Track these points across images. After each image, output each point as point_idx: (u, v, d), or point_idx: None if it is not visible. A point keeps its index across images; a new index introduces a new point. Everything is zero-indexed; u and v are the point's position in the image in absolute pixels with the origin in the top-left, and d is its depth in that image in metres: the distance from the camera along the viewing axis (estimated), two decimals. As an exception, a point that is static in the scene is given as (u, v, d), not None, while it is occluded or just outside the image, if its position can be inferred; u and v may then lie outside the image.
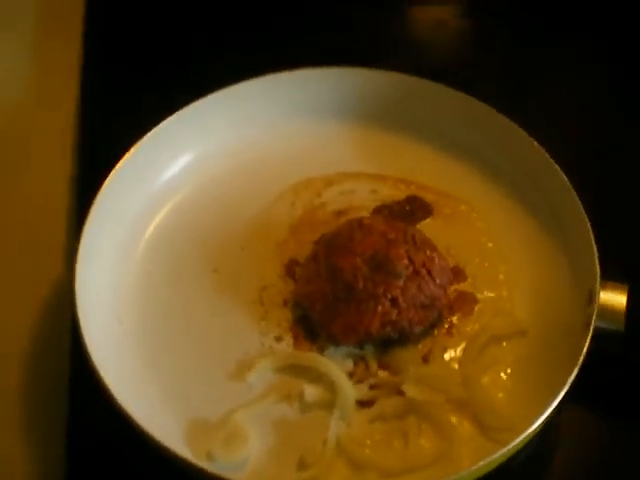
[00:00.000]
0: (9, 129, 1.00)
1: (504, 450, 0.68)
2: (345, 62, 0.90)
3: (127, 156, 0.83)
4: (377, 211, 0.87)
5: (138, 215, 0.85)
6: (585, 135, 0.96)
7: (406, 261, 0.77)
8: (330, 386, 0.75)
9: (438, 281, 0.78)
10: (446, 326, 0.79)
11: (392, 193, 0.88)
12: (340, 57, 0.90)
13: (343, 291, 0.76)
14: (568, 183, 0.81)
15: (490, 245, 0.85)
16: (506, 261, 0.83)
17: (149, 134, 0.85)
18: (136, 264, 0.83)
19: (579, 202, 0.80)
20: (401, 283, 0.76)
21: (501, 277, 0.83)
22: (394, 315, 0.76)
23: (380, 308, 0.76)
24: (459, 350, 0.78)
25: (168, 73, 1.03)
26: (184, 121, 0.87)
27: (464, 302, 0.81)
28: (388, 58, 0.97)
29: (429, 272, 0.78)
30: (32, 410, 0.80)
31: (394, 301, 0.76)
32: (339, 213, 0.87)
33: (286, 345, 0.78)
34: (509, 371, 0.77)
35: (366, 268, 0.77)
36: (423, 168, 0.89)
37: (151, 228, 0.85)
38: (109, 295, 0.80)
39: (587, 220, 0.79)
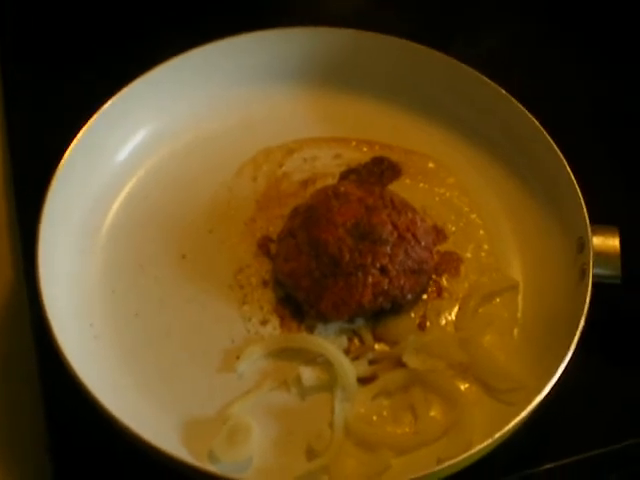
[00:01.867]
0: None
1: (528, 409, 0.65)
2: (288, 23, 0.85)
3: (73, 144, 0.76)
4: (344, 176, 0.83)
5: (92, 207, 0.78)
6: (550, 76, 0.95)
7: (390, 226, 0.74)
8: (327, 366, 0.71)
9: (423, 243, 0.75)
10: (435, 290, 0.76)
11: (356, 156, 0.84)
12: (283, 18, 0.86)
13: (329, 266, 0.72)
14: (541, 129, 0.79)
15: (465, 201, 0.82)
16: (483, 216, 0.81)
17: (94, 117, 0.77)
18: (97, 259, 0.76)
19: (556, 148, 0.77)
20: (388, 250, 0.73)
21: (481, 232, 0.80)
22: (385, 284, 0.72)
23: (370, 279, 0.72)
24: (453, 313, 0.75)
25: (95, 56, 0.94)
26: (132, 98, 0.80)
27: (449, 262, 0.78)
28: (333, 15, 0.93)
29: (414, 235, 0.74)
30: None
31: (384, 270, 0.72)
32: (305, 182, 0.82)
33: (272, 328, 0.74)
34: (508, 329, 0.74)
35: (350, 239, 0.72)
36: (385, 127, 0.85)
37: (109, 219, 0.79)
38: (73, 297, 0.73)
39: (567, 165, 0.76)
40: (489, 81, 0.82)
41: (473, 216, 0.81)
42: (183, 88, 0.83)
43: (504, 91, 0.81)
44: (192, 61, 0.82)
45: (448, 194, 0.82)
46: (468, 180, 0.83)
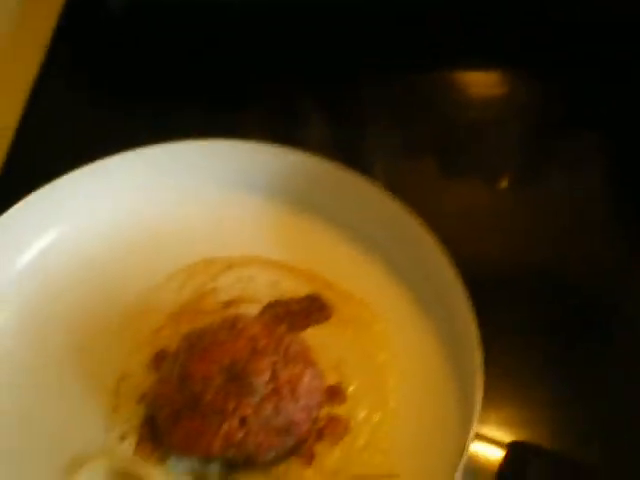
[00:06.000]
0: None
1: None
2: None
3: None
4: (270, 306, 0.78)
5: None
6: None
7: (267, 376, 0.68)
8: (162, 504, 0.68)
9: (302, 403, 0.69)
10: (306, 454, 0.70)
11: (293, 287, 0.79)
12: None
13: (190, 400, 0.68)
14: (463, 291, 0.70)
15: (383, 359, 0.74)
16: (397, 382, 0.73)
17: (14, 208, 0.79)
18: None
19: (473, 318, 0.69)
20: (255, 401, 0.68)
21: (392, 404, 0.72)
22: (240, 436, 0.67)
23: (225, 427, 0.67)
24: (314, 485, 0.69)
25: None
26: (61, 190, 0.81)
27: (334, 429, 0.72)
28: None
29: (293, 392, 0.68)
30: None
31: (244, 421, 0.67)
32: (228, 303, 0.78)
33: (128, 445, 0.71)
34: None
35: (220, 378, 0.68)
36: (332, 262, 0.80)
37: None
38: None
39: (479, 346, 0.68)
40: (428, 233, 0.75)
41: (385, 379, 0.73)
42: (120, 186, 0.83)
43: (436, 240, 0.74)
44: (142, 158, 0.82)
45: (369, 349, 0.74)
46: (393, 334, 0.76)
